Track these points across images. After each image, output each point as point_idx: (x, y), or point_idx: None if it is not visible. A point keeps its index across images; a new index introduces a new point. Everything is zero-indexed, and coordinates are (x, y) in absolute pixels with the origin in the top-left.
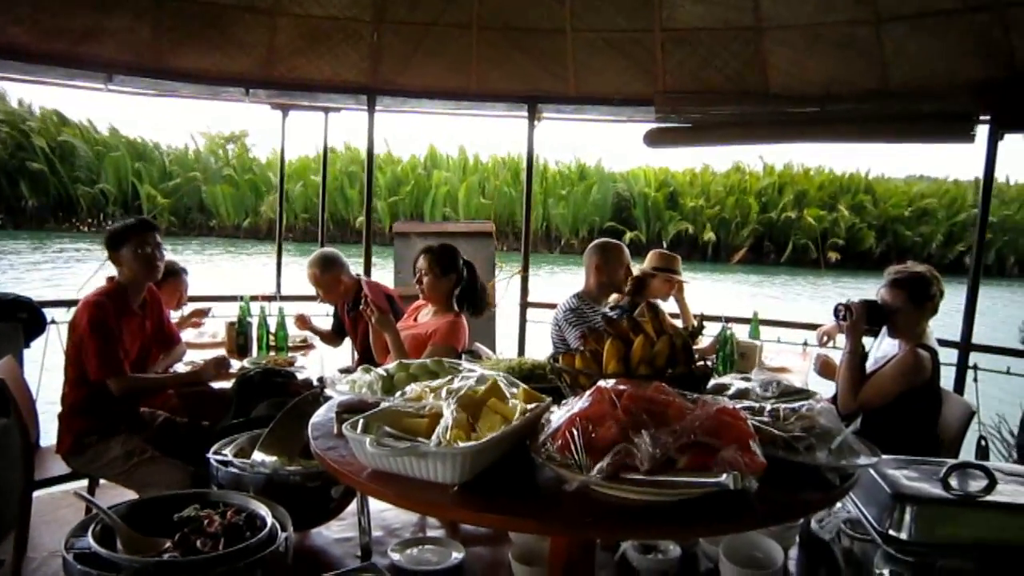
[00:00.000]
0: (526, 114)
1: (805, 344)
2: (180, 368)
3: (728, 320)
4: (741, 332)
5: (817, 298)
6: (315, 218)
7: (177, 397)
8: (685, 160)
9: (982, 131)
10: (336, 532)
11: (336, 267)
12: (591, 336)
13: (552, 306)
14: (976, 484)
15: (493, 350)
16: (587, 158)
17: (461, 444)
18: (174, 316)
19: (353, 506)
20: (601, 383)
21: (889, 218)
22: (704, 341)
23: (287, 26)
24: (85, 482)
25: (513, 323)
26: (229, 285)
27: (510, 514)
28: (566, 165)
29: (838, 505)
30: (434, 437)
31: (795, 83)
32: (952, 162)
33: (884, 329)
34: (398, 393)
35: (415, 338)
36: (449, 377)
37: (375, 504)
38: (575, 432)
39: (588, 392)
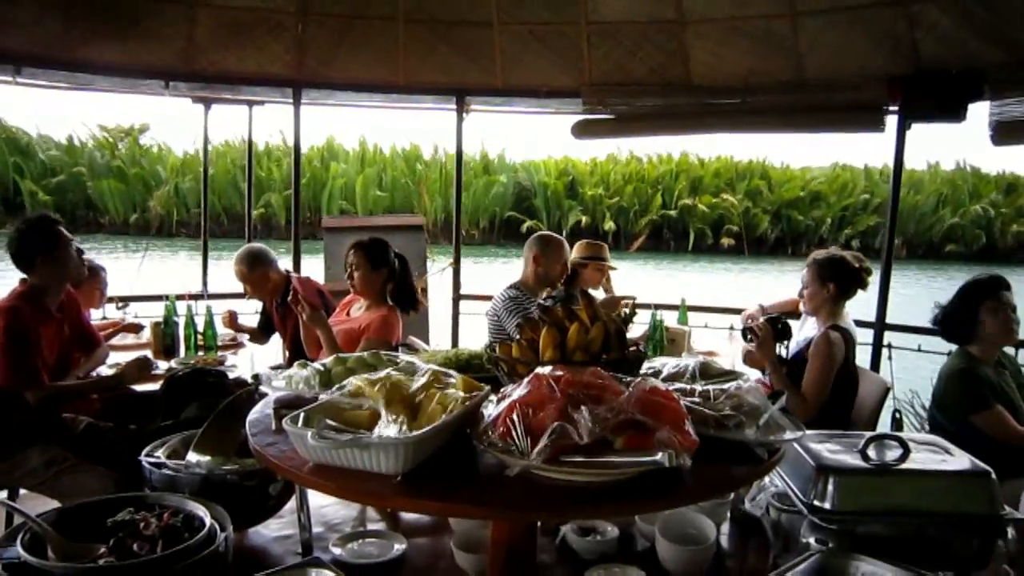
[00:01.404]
0: (454, 107)
1: (731, 328)
2: (103, 371)
3: (657, 307)
4: (669, 318)
5: (718, 281)
6: (209, 213)
7: (100, 401)
8: (598, 150)
9: (891, 121)
10: (275, 530)
11: (264, 263)
12: (527, 325)
13: (486, 298)
14: (892, 454)
15: (427, 343)
16: (493, 149)
17: (403, 434)
18: (95, 318)
19: (292, 503)
20: (539, 370)
21: (783, 203)
22: (635, 329)
23: (207, 17)
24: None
25: (446, 316)
26: (145, 284)
27: (453, 501)
28: (469, 156)
29: (766, 480)
30: (376, 428)
31: (716, 75)
32: (844, 149)
33: (804, 314)
34: (336, 386)
35: (348, 333)
36: (388, 369)
37: (314, 500)
38: (516, 418)
39: (527, 379)
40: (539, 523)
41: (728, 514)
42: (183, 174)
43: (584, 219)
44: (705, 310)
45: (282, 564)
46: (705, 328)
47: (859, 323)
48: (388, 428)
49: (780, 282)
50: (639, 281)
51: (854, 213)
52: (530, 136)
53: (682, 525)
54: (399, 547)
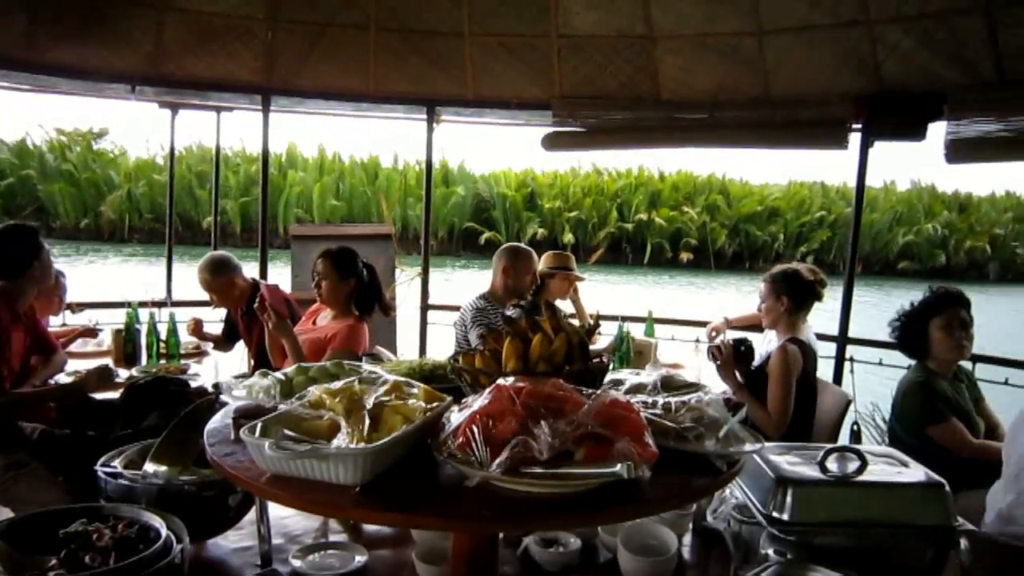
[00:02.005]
0: (424, 117)
1: (697, 341)
2: (62, 379)
3: (624, 319)
4: (636, 331)
5: (678, 295)
6: (162, 218)
7: (57, 409)
8: (560, 163)
9: (854, 139)
10: (235, 542)
11: (228, 270)
12: (490, 336)
13: (453, 308)
14: (850, 466)
15: (395, 353)
16: (453, 160)
17: (362, 445)
18: (54, 324)
19: (252, 514)
20: (500, 381)
21: (741, 218)
22: (602, 341)
23: (175, 22)
24: None
25: (414, 326)
26: (102, 290)
27: (411, 512)
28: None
29: (727, 492)
30: (335, 439)
31: (685, 90)
32: (801, 166)
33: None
34: (296, 396)
35: (314, 342)
36: (349, 379)
37: (275, 511)
38: (475, 429)
39: (488, 390)
40: (501, 535)
41: (690, 526)
42: (137, 179)
43: (542, 231)
44: (671, 322)
45: None
46: (672, 340)
47: (821, 337)
48: (347, 439)
49: (739, 296)
50: (599, 294)
51: (811, 229)
52: (494, 148)
53: (644, 536)
54: (360, 559)
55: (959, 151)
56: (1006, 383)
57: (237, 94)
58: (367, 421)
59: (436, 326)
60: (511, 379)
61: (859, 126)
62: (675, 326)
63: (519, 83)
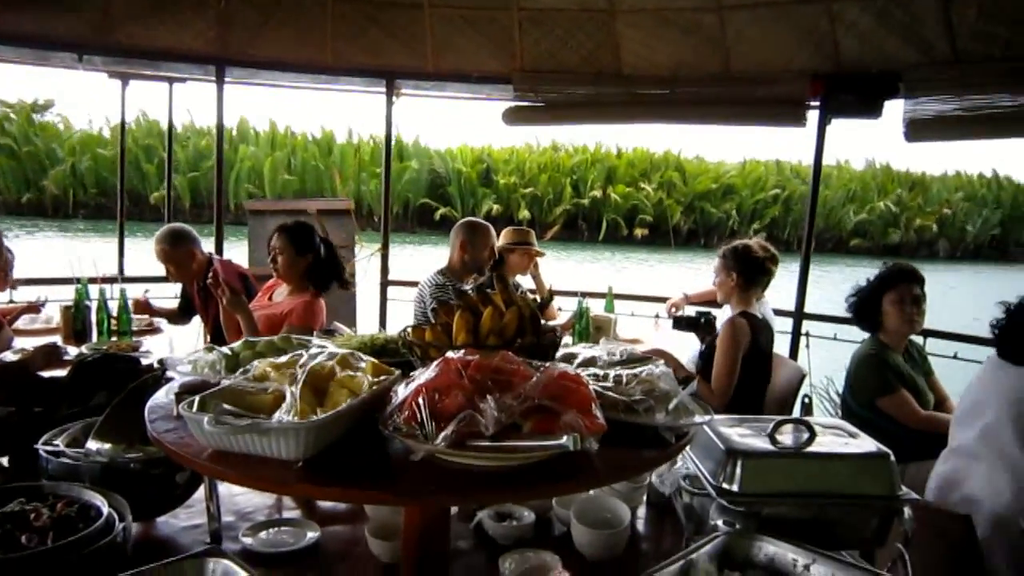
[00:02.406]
0: (384, 90)
1: (656, 317)
2: (8, 356)
3: (584, 295)
4: (596, 306)
5: (635, 271)
6: (108, 193)
7: (0, 387)
8: (517, 139)
9: (812, 116)
10: (184, 520)
11: (187, 242)
12: (441, 309)
13: (413, 284)
14: (799, 438)
15: (354, 330)
16: (409, 135)
17: (304, 419)
18: (1, 301)
19: (201, 492)
20: (450, 354)
21: (697, 195)
22: (563, 316)
23: None
24: None
25: (374, 302)
26: (50, 266)
27: (356, 487)
28: (380, 141)
29: (679, 464)
30: (277, 413)
31: (646, 65)
32: (756, 145)
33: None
34: (240, 370)
35: (270, 319)
36: (295, 353)
37: (226, 488)
38: (421, 402)
39: (435, 363)
40: (455, 509)
41: (644, 498)
42: (81, 153)
43: (497, 207)
44: (631, 298)
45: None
46: (632, 316)
47: (779, 312)
48: (289, 413)
49: (695, 272)
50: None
51: (765, 206)
52: (451, 123)
53: (597, 509)
54: (312, 535)
55: (917, 130)
56: (955, 357)
57: (190, 64)
58: (313, 395)
59: (396, 302)
60: (459, 352)
61: (817, 104)
62: (635, 302)
63: (480, 56)
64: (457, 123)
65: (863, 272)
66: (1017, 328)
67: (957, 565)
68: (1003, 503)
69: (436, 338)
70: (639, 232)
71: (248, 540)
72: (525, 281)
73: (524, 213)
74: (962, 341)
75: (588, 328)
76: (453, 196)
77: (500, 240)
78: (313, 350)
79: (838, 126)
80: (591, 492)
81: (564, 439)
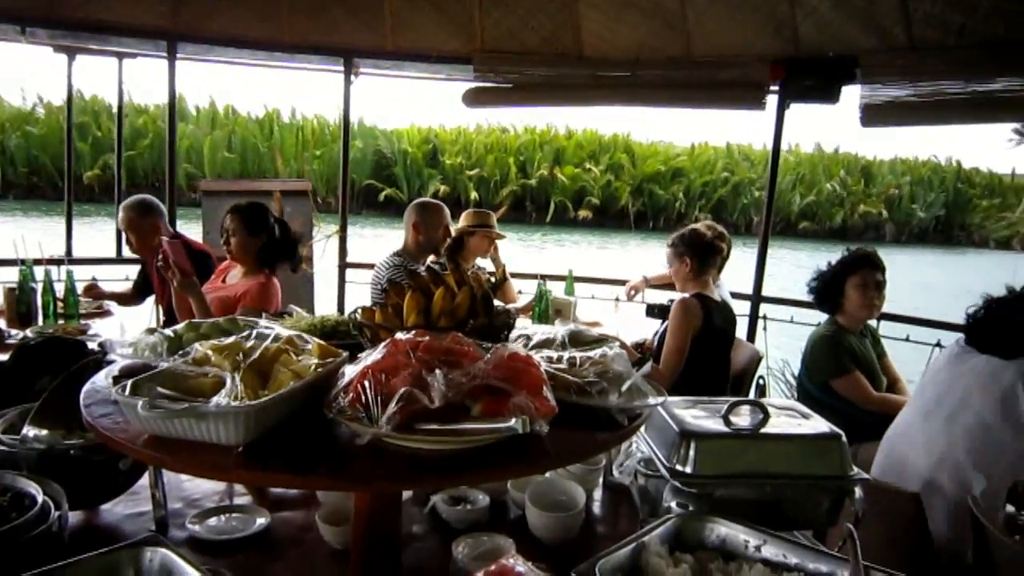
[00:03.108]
0: (342, 68)
1: (617, 300)
2: None
3: (544, 278)
4: (556, 289)
5: (584, 253)
6: (38, 172)
7: None
8: (468, 119)
9: (772, 100)
10: (129, 508)
11: (155, 214)
12: (392, 290)
13: (371, 266)
14: (752, 419)
15: (312, 312)
16: (354, 115)
17: (243, 402)
18: None
19: (147, 479)
20: (399, 335)
21: (645, 177)
22: (523, 299)
23: None
24: None
25: (332, 284)
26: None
27: (298, 472)
28: (324, 121)
29: (634, 446)
30: (215, 397)
31: (607, 47)
32: (707, 128)
33: None
34: (179, 352)
35: (223, 301)
36: (239, 335)
37: (174, 475)
38: (367, 384)
39: (382, 344)
40: (408, 493)
41: (600, 481)
42: (12, 131)
43: (444, 188)
44: (590, 281)
45: None
46: (592, 299)
47: (736, 295)
48: (229, 396)
49: (644, 254)
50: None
51: (714, 189)
52: (404, 104)
53: (553, 492)
54: (262, 521)
55: (872, 115)
56: (907, 340)
57: (140, 39)
58: (256, 378)
59: (355, 284)
60: (408, 333)
61: (776, 88)
62: (595, 284)
63: (440, 36)
64: (410, 104)
65: (814, 256)
66: (995, 322)
67: (907, 542)
68: (956, 485)
69: (386, 319)
70: (583, 214)
71: (195, 527)
72: (485, 265)
73: (472, 194)
74: (915, 324)
75: (548, 311)
76: (399, 177)
77: (460, 222)
78: (258, 332)
79: (795, 111)
80: (546, 475)
81: (513, 422)
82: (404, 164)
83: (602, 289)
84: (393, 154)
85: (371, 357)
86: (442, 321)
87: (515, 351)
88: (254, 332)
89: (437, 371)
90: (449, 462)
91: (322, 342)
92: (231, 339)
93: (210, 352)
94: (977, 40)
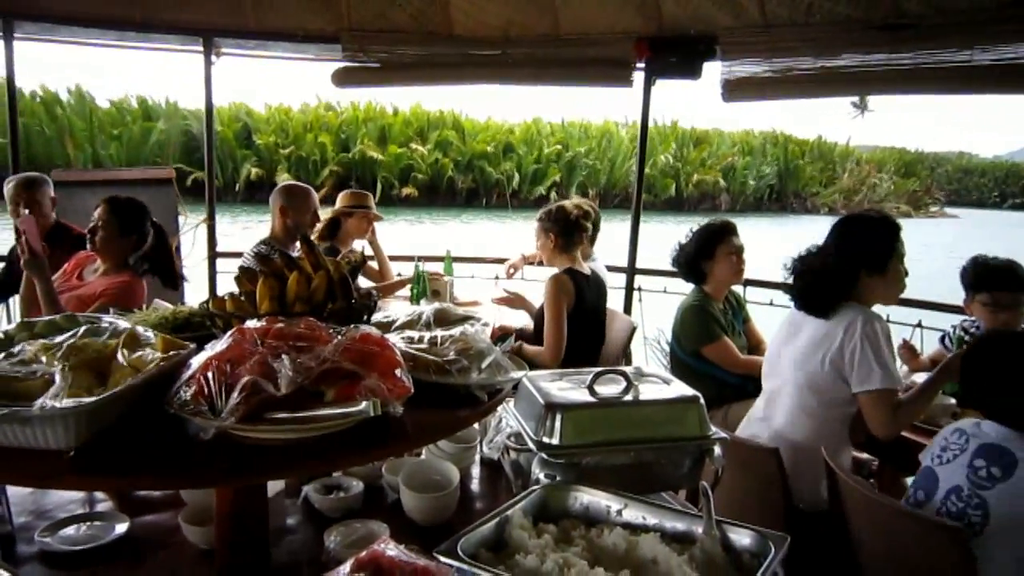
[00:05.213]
0: (200, 49)
1: (497, 278)
2: None
3: (422, 259)
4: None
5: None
6: None
7: None
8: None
9: (639, 77)
10: None
11: (47, 185)
12: (245, 276)
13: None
14: (616, 388)
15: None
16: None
17: (72, 403)
18: None
19: None
20: (248, 323)
21: (475, 155)
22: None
23: None
24: None
25: (203, 277)
26: None
27: (138, 474)
28: (120, 101)
29: (503, 422)
30: (41, 399)
31: (476, 25)
32: (544, 105)
33: None
34: (4, 353)
35: (80, 299)
36: (73, 332)
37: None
38: (210, 376)
39: (228, 333)
40: (281, 485)
41: (477, 458)
42: None
43: (257, 171)
44: (470, 260)
45: None
46: (472, 279)
47: (612, 268)
48: (57, 398)
49: (476, 230)
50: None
51: (547, 165)
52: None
53: (427, 473)
54: (121, 528)
55: (732, 90)
56: (771, 304)
57: None
58: (93, 376)
59: (227, 275)
60: (256, 321)
61: (642, 65)
62: (474, 264)
63: (305, 14)
64: (282, 85)
65: (654, 227)
66: (801, 282)
67: (768, 493)
68: (805, 436)
69: (238, 308)
70: (408, 191)
71: (47, 540)
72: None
73: (284, 176)
74: (779, 289)
75: (426, 292)
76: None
77: (337, 203)
78: (94, 328)
79: (673, 88)
80: (421, 456)
81: (363, 405)
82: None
83: (482, 268)
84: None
85: (216, 347)
86: (297, 307)
87: (368, 332)
88: (89, 328)
89: (284, 357)
90: (303, 450)
91: (166, 335)
92: (64, 337)
93: (39, 352)
94: (824, 19)
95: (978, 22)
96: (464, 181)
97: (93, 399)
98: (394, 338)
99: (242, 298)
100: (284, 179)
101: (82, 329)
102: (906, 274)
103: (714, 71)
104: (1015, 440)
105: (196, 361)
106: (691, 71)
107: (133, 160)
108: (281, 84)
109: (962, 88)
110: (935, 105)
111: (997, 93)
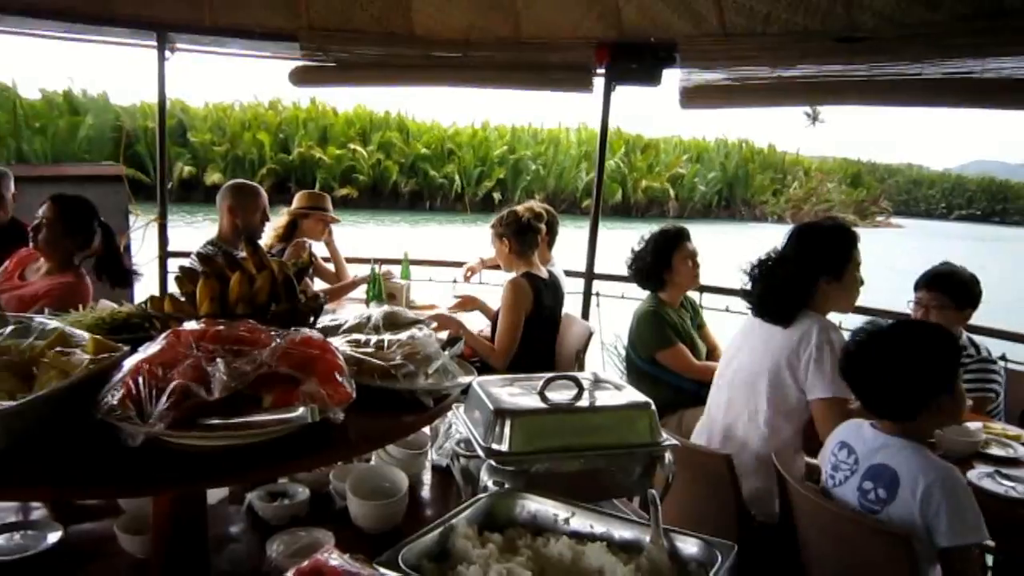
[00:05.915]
0: (155, 44)
1: (455, 281)
2: None
3: (378, 261)
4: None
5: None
6: None
7: None
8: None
9: (598, 83)
10: None
11: (8, 179)
12: (186, 277)
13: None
14: (568, 394)
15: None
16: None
17: None
18: None
19: None
20: (187, 324)
21: (418, 157)
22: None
23: None
24: None
25: (153, 277)
26: None
27: (57, 484)
28: (50, 94)
29: (452, 428)
30: None
31: (438, 27)
32: (500, 108)
33: None
34: None
35: (20, 299)
36: (1, 331)
37: None
38: (140, 380)
39: (162, 335)
40: (224, 492)
41: (428, 464)
42: None
43: (189, 169)
44: (428, 263)
45: None
46: (429, 282)
47: (570, 273)
48: None
49: (422, 233)
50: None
51: (491, 168)
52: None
53: (375, 480)
54: (53, 537)
55: (690, 97)
56: (727, 310)
57: None
58: (18, 380)
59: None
60: (192, 323)
61: (603, 71)
62: (432, 267)
63: (263, 11)
64: (243, 82)
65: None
66: (758, 288)
67: (720, 499)
68: (758, 442)
69: (177, 309)
70: (347, 192)
71: None
72: (319, 251)
73: (216, 176)
74: (735, 295)
75: (381, 295)
76: (142, 156)
77: (294, 203)
78: (19, 328)
79: (637, 95)
80: (370, 462)
81: (301, 411)
82: (147, 141)
83: (440, 271)
84: (135, 130)
85: (148, 350)
86: (240, 308)
87: (309, 336)
88: (16, 328)
89: (219, 361)
90: (238, 458)
91: (99, 337)
92: None
93: None
94: (781, 29)
95: (930, 36)
96: (407, 183)
97: (14, 403)
98: (339, 342)
99: (182, 299)
100: (216, 178)
101: (8, 329)
102: (861, 283)
103: (674, 78)
104: (892, 446)
105: (127, 364)
106: (651, 78)
107: (60, 156)
108: (229, 83)
109: (913, 101)
110: (888, 118)
111: (948, 106)
